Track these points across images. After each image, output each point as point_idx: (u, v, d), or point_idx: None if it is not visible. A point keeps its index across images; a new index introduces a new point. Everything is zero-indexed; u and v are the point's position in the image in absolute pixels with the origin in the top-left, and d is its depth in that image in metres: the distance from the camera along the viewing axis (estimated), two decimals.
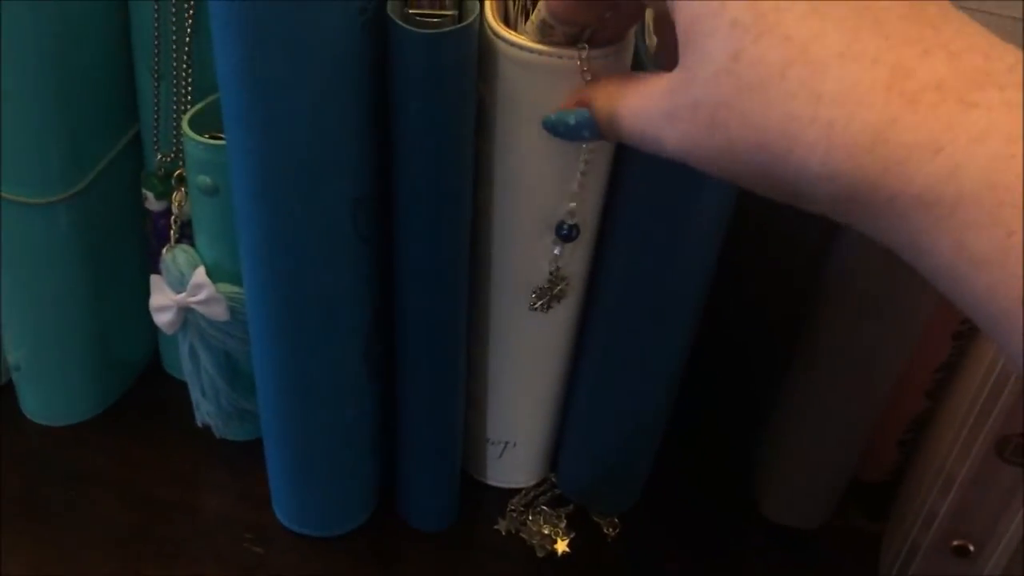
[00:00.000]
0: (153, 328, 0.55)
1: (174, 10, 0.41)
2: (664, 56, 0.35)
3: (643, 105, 0.28)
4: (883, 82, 0.22)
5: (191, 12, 0.41)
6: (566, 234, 0.40)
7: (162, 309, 0.45)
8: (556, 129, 0.33)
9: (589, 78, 0.33)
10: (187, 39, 0.41)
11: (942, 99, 0.21)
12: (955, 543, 0.44)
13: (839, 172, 0.22)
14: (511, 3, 0.39)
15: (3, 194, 0.43)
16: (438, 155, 0.37)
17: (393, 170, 0.38)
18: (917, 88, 0.21)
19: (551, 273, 0.42)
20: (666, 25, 0.33)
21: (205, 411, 0.49)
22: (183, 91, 0.43)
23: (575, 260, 0.42)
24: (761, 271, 0.46)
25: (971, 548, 0.44)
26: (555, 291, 0.43)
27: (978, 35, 0.22)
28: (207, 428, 0.50)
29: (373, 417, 0.46)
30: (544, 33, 0.34)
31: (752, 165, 0.24)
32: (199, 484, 0.51)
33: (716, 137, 0.24)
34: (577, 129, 0.32)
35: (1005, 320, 0.21)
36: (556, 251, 0.41)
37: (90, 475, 0.51)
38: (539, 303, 0.42)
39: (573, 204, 0.39)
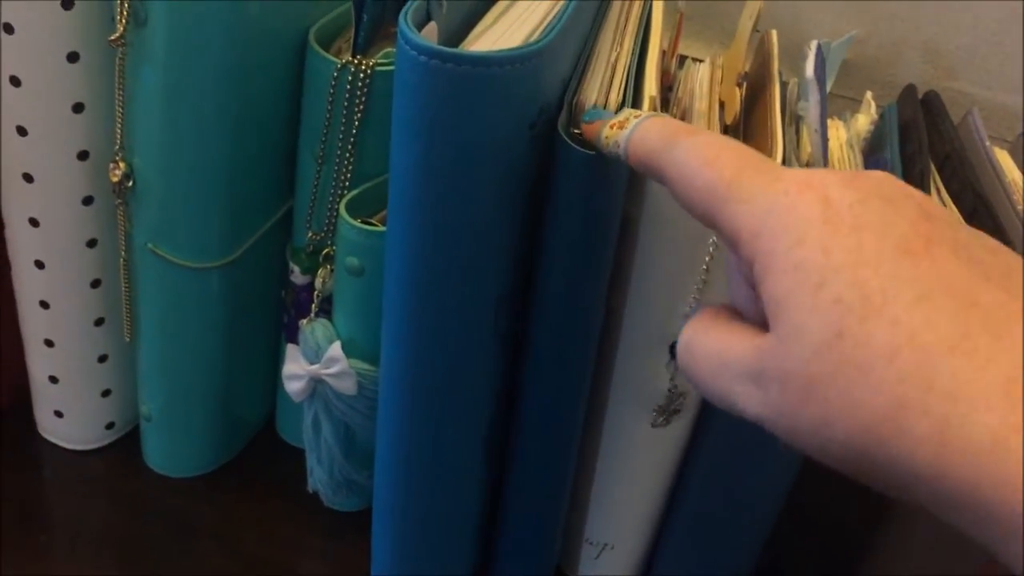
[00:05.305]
0: (272, 392, 0.58)
1: (346, 103, 0.44)
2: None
3: (722, 352, 0.27)
4: (1000, 385, 0.21)
5: (361, 105, 0.44)
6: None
7: (294, 377, 0.48)
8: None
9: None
10: (354, 129, 0.45)
11: None
12: None
13: (949, 474, 0.21)
14: None
15: (166, 255, 0.46)
16: (581, 264, 0.39)
17: (536, 272, 0.40)
18: None
19: (670, 390, 0.43)
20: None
21: (318, 478, 0.51)
22: (343, 176, 0.46)
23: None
24: None
25: None
26: (673, 406, 0.44)
27: None
28: (315, 495, 0.52)
29: (482, 502, 0.47)
30: None
31: (849, 446, 0.23)
32: (301, 548, 0.53)
33: (808, 412, 0.23)
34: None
35: None
36: (670, 372, 0.42)
37: (199, 527, 0.53)
38: (660, 419, 0.44)
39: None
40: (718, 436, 0.45)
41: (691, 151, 0.28)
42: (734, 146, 0.28)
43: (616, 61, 0.39)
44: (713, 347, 0.27)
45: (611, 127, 0.33)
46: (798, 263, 0.24)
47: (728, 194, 0.26)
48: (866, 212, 0.24)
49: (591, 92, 0.38)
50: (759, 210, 0.25)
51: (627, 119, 0.32)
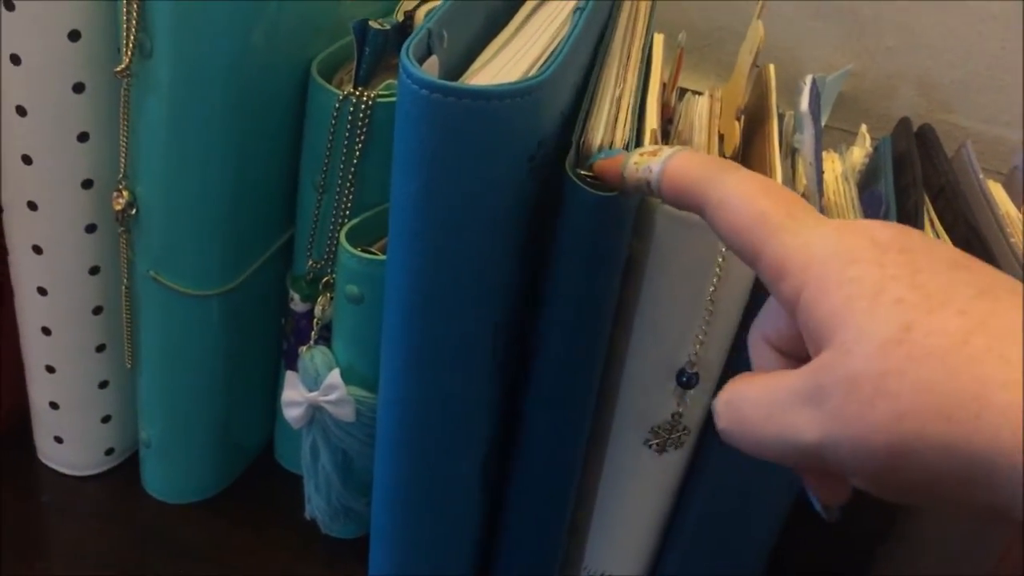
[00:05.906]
0: (271, 418, 0.58)
1: (347, 133, 0.44)
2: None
3: (768, 392, 0.27)
4: None
5: (362, 136, 0.45)
6: (686, 381, 0.42)
7: (293, 404, 0.48)
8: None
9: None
10: (355, 159, 0.45)
11: None
12: None
13: None
14: None
15: (167, 283, 0.47)
16: (586, 300, 0.39)
17: (541, 307, 0.40)
18: None
19: (672, 415, 0.43)
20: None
21: (315, 505, 0.51)
22: (343, 205, 0.46)
23: (694, 408, 0.43)
24: None
25: None
26: (672, 436, 0.44)
27: None
28: (312, 522, 0.52)
29: (479, 530, 0.48)
30: None
31: (925, 437, 0.22)
32: (297, 575, 0.53)
33: (879, 409, 0.23)
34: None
35: None
36: (676, 399, 0.43)
37: (197, 553, 0.53)
38: (655, 442, 0.44)
39: (695, 351, 0.41)
40: (717, 465, 0.45)
41: (740, 184, 0.29)
42: (781, 186, 0.29)
43: (620, 97, 0.40)
44: (757, 393, 0.27)
45: (641, 154, 0.33)
46: (854, 277, 0.24)
47: (778, 226, 0.27)
48: (910, 240, 0.25)
49: (598, 129, 0.38)
50: (809, 244, 0.26)
51: (660, 149, 0.33)
